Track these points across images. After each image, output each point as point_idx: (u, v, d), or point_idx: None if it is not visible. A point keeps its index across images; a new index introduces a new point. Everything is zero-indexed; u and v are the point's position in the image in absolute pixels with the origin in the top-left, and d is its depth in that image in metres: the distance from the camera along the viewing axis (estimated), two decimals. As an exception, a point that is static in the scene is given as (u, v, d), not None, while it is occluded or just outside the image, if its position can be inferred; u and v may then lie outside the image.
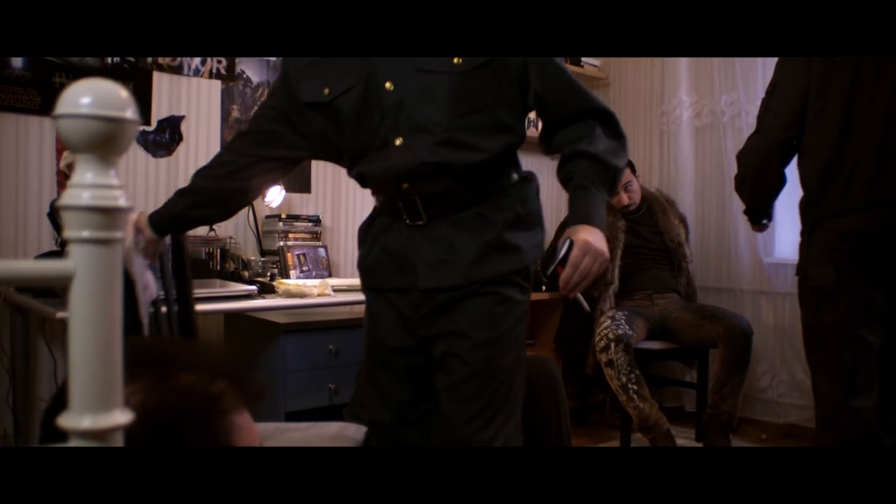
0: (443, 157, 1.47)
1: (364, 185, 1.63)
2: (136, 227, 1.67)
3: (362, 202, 3.47)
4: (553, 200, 4.44)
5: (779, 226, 3.53)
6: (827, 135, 2.35)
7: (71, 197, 0.48)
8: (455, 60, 1.45)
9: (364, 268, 1.66)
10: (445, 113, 1.46)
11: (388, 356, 1.62)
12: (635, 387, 3.12)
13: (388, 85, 1.47)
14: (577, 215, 1.49)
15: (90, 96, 0.47)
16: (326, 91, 1.52)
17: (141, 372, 0.65)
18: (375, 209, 1.67)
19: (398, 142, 1.48)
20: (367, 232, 1.66)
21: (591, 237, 1.44)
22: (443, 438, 1.58)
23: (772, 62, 3.49)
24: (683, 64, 3.87)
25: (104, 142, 0.48)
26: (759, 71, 3.60)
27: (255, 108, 1.77)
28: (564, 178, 1.57)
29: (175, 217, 1.71)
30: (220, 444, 0.68)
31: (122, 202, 0.49)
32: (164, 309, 2.01)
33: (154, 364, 0.68)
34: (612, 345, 3.15)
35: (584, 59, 4.18)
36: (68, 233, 0.48)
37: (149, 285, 1.78)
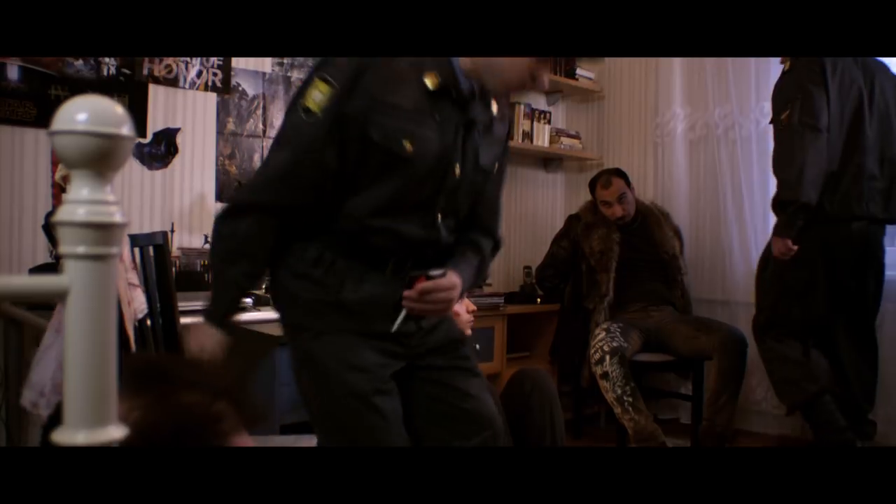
0: (453, 240, 1.66)
1: (370, 236, 1.54)
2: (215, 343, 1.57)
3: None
4: (548, 211, 4.45)
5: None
6: (834, 148, 2.57)
7: (66, 213, 0.48)
8: (494, 166, 1.66)
9: (346, 310, 1.55)
10: (469, 204, 1.65)
11: (385, 383, 1.57)
12: (630, 399, 3.12)
13: (457, 169, 1.53)
14: (461, 268, 1.60)
15: (86, 113, 0.48)
16: (408, 146, 1.46)
17: (143, 388, 0.65)
18: (327, 252, 1.56)
19: (440, 218, 1.57)
20: (332, 274, 1.55)
21: (460, 286, 1.56)
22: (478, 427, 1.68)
23: (765, 76, 3.53)
24: (677, 76, 3.89)
25: (100, 158, 0.48)
26: (752, 84, 3.62)
27: (272, 169, 1.54)
28: (461, 243, 1.69)
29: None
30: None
31: (117, 218, 0.49)
32: (148, 322, 2.02)
33: (157, 381, 0.68)
34: (607, 357, 3.15)
35: (578, 71, 4.20)
36: (64, 248, 0.48)
37: (133, 301, 1.78)
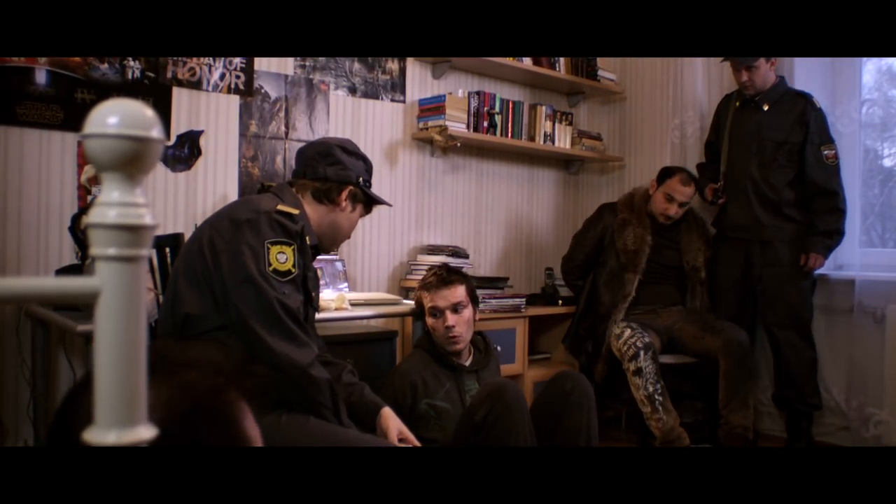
0: None
1: None
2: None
3: (378, 218, 3.49)
4: (570, 213, 4.43)
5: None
6: None
7: (97, 215, 0.49)
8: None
9: None
10: None
11: None
12: (661, 398, 3.08)
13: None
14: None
15: (117, 116, 0.48)
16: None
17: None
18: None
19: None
20: None
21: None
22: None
23: (788, 77, 3.50)
24: (699, 79, 3.85)
25: (131, 161, 0.49)
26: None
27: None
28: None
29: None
30: (234, 432, 0.68)
31: (147, 220, 0.49)
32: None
33: (154, 364, 0.69)
34: (642, 353, 3.10)
35: (600, 73, 4.19)
36: (95, 250, 0.49)
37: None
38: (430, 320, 2.55)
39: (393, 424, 2.04)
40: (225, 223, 1.85)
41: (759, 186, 3.34)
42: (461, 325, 2.49)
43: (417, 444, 2.05)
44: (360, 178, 2.09)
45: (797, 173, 3.30)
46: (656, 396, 3.07)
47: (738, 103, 3.48)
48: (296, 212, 1.92)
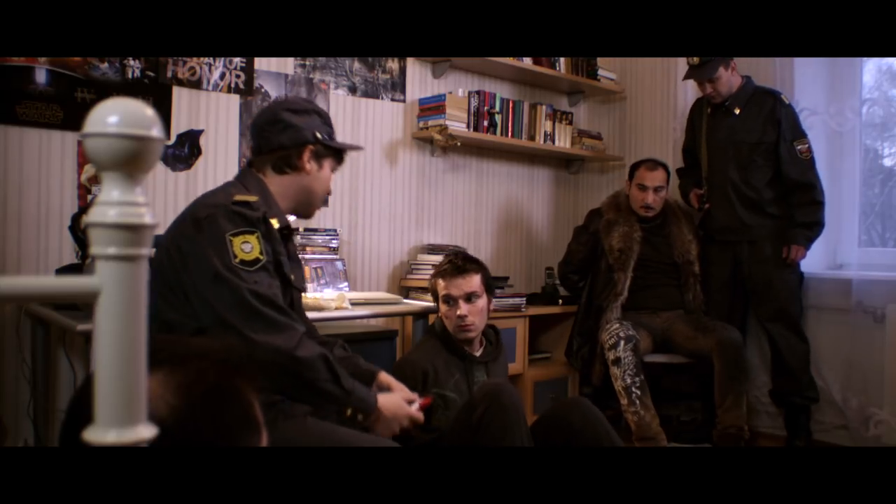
0: None
1: None
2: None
3: (378, 217, 3.49)
4: (570, 212, 4.43)
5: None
6: None
7: (98, 214, 0.49)
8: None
9: None
10: None
11: None
12: (638, 392, 3.09)
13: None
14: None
15: (117, 115, 0.48)
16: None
17: (156, 363, 0.67)
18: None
19: None
20: None
21: None
22: None
23: (789, 76, 3.50)
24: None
25: (130, 160, 0.49)
26: (777, 84, 3.57)
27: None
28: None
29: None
30: (247, 412, 0.72)
31: (147, 219, 0.49)
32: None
33: (166, 355, 0.70)
34: (622, 343, 3.14)
35: (600, 72, 4.19)
36: (95, 249, 0.49)
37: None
38: (443, 307, 2.52)
39: (396, 384, 2.07)
40: (188, 224, 1.80)
41: (740, 188, 3.41)
42: (474, 314, 2.47)
43: (419, 410, 2.02)
44: (318, 134, 1.98)
45: (775, 171, 3.36)
46: (633, 389, 3.09)
47: (709, 109, 3.53)
48: (253, 198, 1.85)
